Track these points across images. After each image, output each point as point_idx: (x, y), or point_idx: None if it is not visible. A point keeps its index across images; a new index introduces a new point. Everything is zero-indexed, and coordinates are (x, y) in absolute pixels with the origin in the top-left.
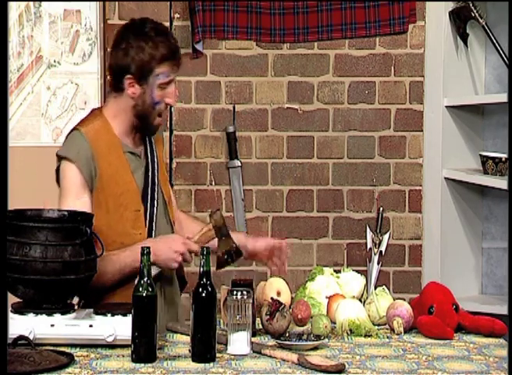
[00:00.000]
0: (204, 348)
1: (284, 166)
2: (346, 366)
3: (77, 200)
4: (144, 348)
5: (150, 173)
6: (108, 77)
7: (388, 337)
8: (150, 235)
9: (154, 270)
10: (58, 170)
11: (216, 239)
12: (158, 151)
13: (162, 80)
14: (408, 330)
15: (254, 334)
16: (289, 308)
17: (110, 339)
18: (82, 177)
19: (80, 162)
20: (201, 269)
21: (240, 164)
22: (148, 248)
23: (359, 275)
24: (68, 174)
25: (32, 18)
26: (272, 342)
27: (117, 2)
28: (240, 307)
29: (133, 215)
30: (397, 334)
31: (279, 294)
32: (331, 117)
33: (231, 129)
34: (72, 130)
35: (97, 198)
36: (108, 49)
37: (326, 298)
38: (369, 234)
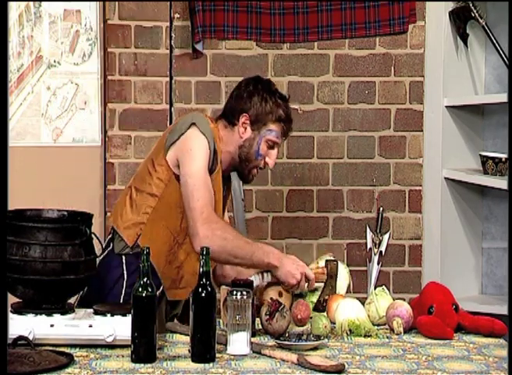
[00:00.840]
0: (204, 349)
1: (284, 166)
2: (346, 366)
3: (204, 171)
4: (143, 348)
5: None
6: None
7: (388, 337)
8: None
9: (266, 278)
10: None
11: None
12: None
13: (272, 137)
14: (408, 330)
15: (253, 334)
16: (289, 308)
17: (110, 339)
18: (210, 156)
19: (211, 145)
20: (201, 270)
21: None
22: (148, 248)
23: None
24: (202, 143)
25: (32, 18)
26: (271, 342)
27: (117, 2)
28: (239, 307)
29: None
30: (397, 334)
31: (280, 294)
32: (331, 117)
33: None
34: (205, 116)
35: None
36: (109, 49)
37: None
38: (369, 234)
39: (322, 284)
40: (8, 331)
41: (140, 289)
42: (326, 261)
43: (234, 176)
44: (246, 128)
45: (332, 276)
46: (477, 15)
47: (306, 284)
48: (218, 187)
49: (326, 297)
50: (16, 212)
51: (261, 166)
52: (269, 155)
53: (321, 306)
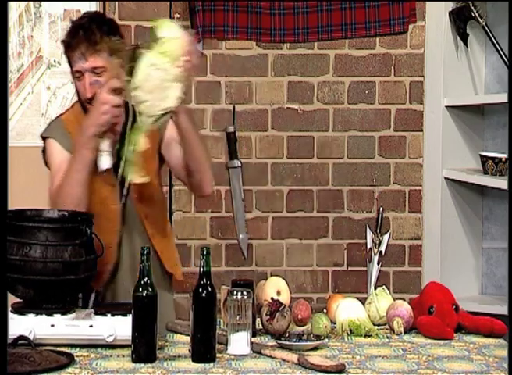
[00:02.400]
0: (204, 348)
1: (284, 166)
2: (346, 366)
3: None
4: (143, 348)
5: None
6: None
7: (388, 338)
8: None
9: (106, 160)
10: (44, 152)
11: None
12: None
13: (72, 70)
14: (408, 330)
15: (254, 334)
16: (289, 308)
17: (110, 339)
18: (66, 153)
19: (62, 141)
20: (201, 270)
21: (239, 164)
22: (148, 248)
23: None
24: (54, 151)
25: (32, 18)
26: (272, 342)
27: (117, 2)
28: (240, 307)
29: (108, 190)
30: (397, 334)
31: (279, 293)
32: (331, 117)
33: (231, 129)
34: (56, 117)
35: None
36: None
37: None
38: (369, 234)
39: None
40: (8, 331)
41: (141, 289)
42: None
43: (234, 176)
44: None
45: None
46: (477, 15)
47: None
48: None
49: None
50: (16, 212)
51: (86, 101)
52: (81, 85)
53: None
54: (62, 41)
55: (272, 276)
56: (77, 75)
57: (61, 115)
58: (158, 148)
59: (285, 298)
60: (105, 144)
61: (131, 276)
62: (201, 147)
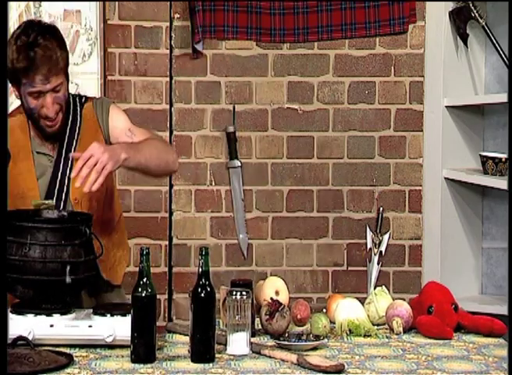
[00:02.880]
0: (204, 349)
1: (284, 166)
2: (346, 366)
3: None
4: (143, 348)
5: (59, 175)
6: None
7: (387, 337)
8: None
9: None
10: None
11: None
12: (88, 140)
13: (28, 90)
14: (407, 330)
15: (253, 335)
16: (288, 308)
17: (109, 339)
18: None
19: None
20: (200, 270)
21: (239, 164)
22: (148, 248)
23: None
24: None
25: (32, 18)
26: (271, 342)
27: (117, 2)
28: (239, 307)
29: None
30: (397, 334)
31: (277, 293)
32: (331, 117)
33: (231, 129)
34: None
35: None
36: (109, 49)
37: None
38: (369, 234)
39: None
40: (8, 331)
41: (140, 289)
42: None
43: (234, 176)
44: (14, 88)
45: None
46: (477, 15)
47: None
48: (30, 173)
49: None
50: (16, 212)
51: (42, 117)
52: (43, 105)
53: None
54: (15, 68)
55: (271, 276)
56: (35, 95)
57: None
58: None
59: (283, 298)
60: None
61: None
62: (154, 156)
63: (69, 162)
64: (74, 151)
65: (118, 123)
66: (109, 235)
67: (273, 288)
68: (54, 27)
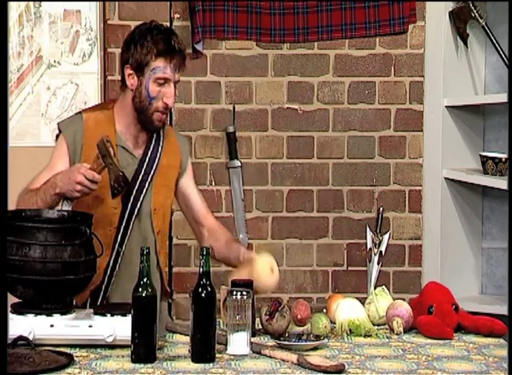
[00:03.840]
0: (204, 349)
1: (284, 166)
2: (346, 366)
3: (51, 171)
4: (143, 348)
5: (140, 176)
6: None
7: (387, 338)
8: (119, 236)
9: (66, 206)
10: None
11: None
12: (169, 159)
13: (158, 74)
14: (408, 330)
15: (253, 334)
16: (289, 308)
17: (110, 339)
18: (67, 152)
19: (70, 139)
20: (201, 270)
21: (239, 164)
22: (148, 248)
23: None
24: (57, 146)
25: (32, 18)
26: (271, 342)
27: (117, 2)
28: (239, 307)
29: (109, 210)
30: (397, 334)
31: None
32: (331, 117)
33: (231, 129)
34: (77, 112)
35: None
36: (109, 49)
37: None
38: (369, 234)
39: None
40: (8, 331)
41: (140, 289)
42: (96, 144)
43: (234, 176)
44: (133, 78)
45: (104, 155)
46: (477, 15)
47: (92, 184)
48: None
49: (114, 178)
50: (16, 212)
51: (159, 108)
52: (165, 93)
53: (114, 188)
54: (151, 51)
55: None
56: (160, 82)
57: (84, 110)
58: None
59: (276, 276)
60: (66, 204)
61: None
62: None
63: (152, 169)
64: (157, 162)
65: (191, 172)
66: (165, 245)
67: (268, 266)
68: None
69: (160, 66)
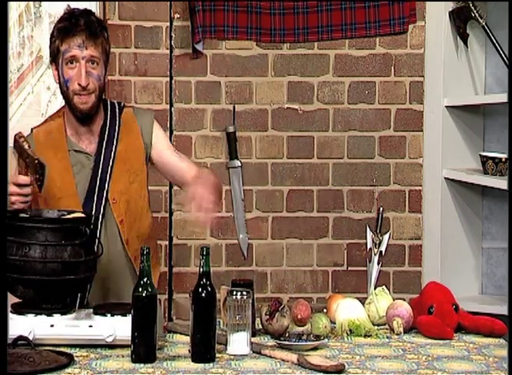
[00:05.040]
0: (204, 349)
1: (284, 166)
2: (346, 366)
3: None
4: (143, 348)
5: (99, 171)
6: None
7: (388, 338)
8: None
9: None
10: None
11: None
12: (127, 143)
13: (65, 56)
14: (408, 330)
15: (253, 334)
16: (289, 308)
17: (110, 339)
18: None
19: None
20: (201, 270)
21: (240, 164)
22: (148, 248)
23: None
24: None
25: (32, 18)
26: (271, 342)
27: (117, 2)
28: (239, 307)
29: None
30: (397, 334)
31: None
32: (331, 117)
33: (231, 129)
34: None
35: (37, 200)
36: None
37: None
38: (369, 234)
39: None
40: (8, 331)
41: (140, 289)
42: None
43: (234, 176)
44: (55, 71)
45: (21, 152)
46: (477, 15)
47: (22, 188)
48: (67, 172)
49: (34, 172)
50: (16, 212)
51: (76, 91)
52: (77, 73)
53: (38, 180)
54: (58, 28)
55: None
56: (71, 64)
57: (35, 127)
58: (147, 157)
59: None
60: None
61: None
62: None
63: (110, 160)
64: (114, 150)
65: (162, 140)
66: (145, 240)
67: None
68: (90, 10)
69: (66, 48)
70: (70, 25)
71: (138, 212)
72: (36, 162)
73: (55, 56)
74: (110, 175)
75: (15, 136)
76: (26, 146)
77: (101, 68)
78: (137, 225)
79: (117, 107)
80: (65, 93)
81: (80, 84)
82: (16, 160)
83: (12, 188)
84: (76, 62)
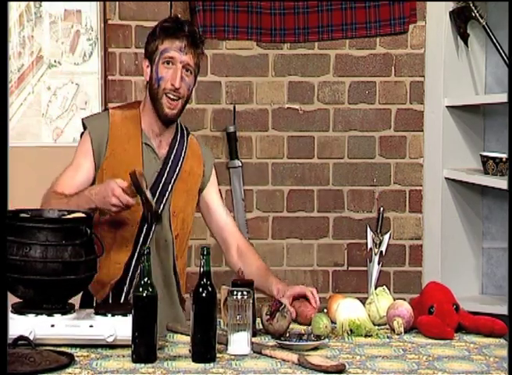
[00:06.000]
0: (205, 349)
1: (284, 166)
2: (347, 366)
3: (75, 170)
4: (144, 348)
5: (163, 178)
6: None
7: (388, 338)
8: (142, 234)
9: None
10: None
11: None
12: (191, 165)
13: (166, 55)
14: (408, 330)
15: (254, 334)
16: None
17: (110, 339)
18: (91, 148)
19: (95, 135)
20: (201, 270)
21: (240, 164)
22: (149, 248)
23: None
24: (80, 143)
25: (32, 18)
26: (272, 342)
27: (117, 2)
28: (240, 307)
29: (133, 208)
30: (397, 334)
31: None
32: (331, 117)
33: (231, 129)
34: (104, 109)
35: (100, 177)
36: (109, 49)
37: None
38: (369, 234)
39: None
40: (8, 331)
41: (141, 289)
42: (129, 173)
43: (235, 176)
44: (148, 68)
45: (136, 187)
46: (477, 15)
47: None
48: (138, 160)
49: (147, 210)
50: (17, 212)
51: (167, 90)
52: (172, 74)
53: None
54: (162, 27)
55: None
56: (168, 63)
57: (111, 108)
58: (200, 190)
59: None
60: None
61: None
62: None
63: (174, 173)
64: (180, 166)
65: (215, 185)
66: (184, 251)
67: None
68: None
69: (166, 48)
70: (175, 27)
71: (186, 234)
72: (154, 211)
73: (151, 54)
74: (172, 187)
75: (135, 170)
76: (144, 185)
77: (192, 78)
78: (184, 245)
79: (185, 129)
80: (155, 90)
81: (173, 85)
82: (129, 183)
83: (115, 201)
84: (172, 64)
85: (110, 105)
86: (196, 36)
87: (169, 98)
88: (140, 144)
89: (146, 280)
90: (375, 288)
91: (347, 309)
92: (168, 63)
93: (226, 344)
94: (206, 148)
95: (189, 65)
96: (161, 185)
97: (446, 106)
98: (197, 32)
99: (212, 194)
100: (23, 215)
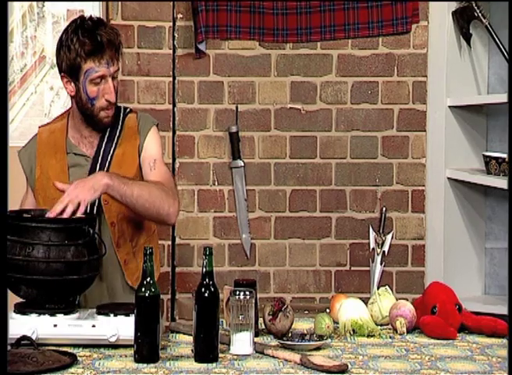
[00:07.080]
0: (207, 348)
1: (287, 166)
2: (349, 366)
3: (26, 193)
4: (146, 348)
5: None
6: None
7: (391, 338)
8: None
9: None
10: None
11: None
12: (125, 147)
13: (92, 76)
14: (411, 330)
15: (256, 334)
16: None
17: (113, 339)
18: (25, 177)
19: (24, 161)
20: (204, 270)
21: (242, 164)
22: (151, 248)
23: None
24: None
25: (35, 18)
26: (274, 342)
27: (120, 3)
28: (242, 307)
29: None
30: (400, 334)
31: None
32: (334, 117)
33: (234, 129)
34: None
35: (37, 199)
36: None
37: None
38: (372, 234)
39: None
40: (8, 331)
41: (143, 289)
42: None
43: (237, 176)
44: (70, 84)
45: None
46: (480, 15)
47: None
48: (64, 173)
49: None
50: (19, 212)
51: (103, 106)
52: (104, 91)
53: None
54: (79, 55)
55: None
56: (96, 81)
57: (40, 126)
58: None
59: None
60: None
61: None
62: (144, 197)
63: (106, 162)
64: (112, 153)
65: (150, 146)
66: (141, 245)
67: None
68: (104, 21)
69: (92, 67)
70: (96, 43)
71: (132, 216)
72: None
73: (72, 70)
74: None
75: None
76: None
77: (117, 77)
78: (131, 229)
79: (122, 112)
80: (88, 109)
81: (108, 100)
82: None
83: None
84: (102, 80)
85: None
86: (115, 42)
87: (106, 110)
88: (64, 156)
89: (148, 280)
90: (378, 288)
91: (350, 309)
92: (97, 83)
93: (229, 344)
94: (143, 116)
95: (116, 71)
96: None
97: (449, 106)
98: (114, 33)
99: (145, 152)
100: (25, 215)
